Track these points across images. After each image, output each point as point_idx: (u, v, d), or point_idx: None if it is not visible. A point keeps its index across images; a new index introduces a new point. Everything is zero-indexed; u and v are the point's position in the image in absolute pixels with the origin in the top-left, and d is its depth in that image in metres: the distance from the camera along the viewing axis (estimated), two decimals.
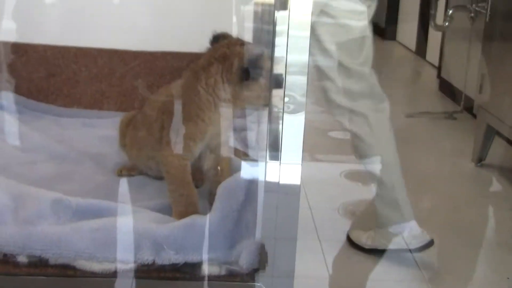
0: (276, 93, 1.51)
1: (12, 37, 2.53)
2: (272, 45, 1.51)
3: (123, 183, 1.96)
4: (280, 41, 1.47)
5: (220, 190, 1.68)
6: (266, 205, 1.55)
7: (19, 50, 2.52)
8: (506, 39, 3.61)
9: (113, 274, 1.57)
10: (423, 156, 4.09)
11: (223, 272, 1.59)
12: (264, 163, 1.55)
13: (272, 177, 1.52)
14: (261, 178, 1.58)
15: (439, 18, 4.86)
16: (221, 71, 1.83)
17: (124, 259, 1.57)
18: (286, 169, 1.53)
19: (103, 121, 2.32)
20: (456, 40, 5.14)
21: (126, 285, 1.58)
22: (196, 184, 1.95)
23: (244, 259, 1.58)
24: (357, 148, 2.76)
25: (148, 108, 2.04)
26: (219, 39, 1.93)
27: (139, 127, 2.03)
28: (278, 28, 1.47)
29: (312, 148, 4.07)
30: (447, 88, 5.30)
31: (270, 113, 1.52)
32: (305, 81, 1.51)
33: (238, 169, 1.81)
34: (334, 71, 2.52)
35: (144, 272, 1.57)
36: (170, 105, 1.90)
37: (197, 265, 1.60)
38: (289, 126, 1.51)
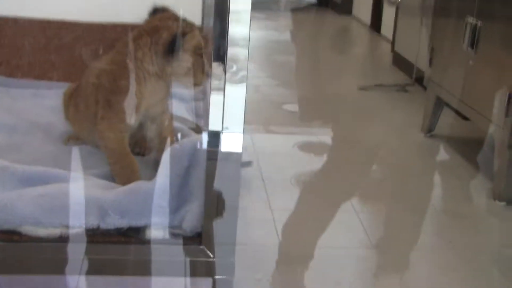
0: (218, 64, 1.55)
1: None
2: (214, 19, 1.54)
3: (70, 151, 1.98)
4: (222, 15, 1.51)
5: (165, 156, 1.72)
6: (209, 173, 1.59)
7: None
8: (454, 14, 3.68)
9: (59, 239, 1.60)
10: (374, 128, 4.17)
11: (167, 236, 1.64)
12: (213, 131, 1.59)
13: (215, 146, 1.57)
14: (205, 146, 1.62)
15: None
16: (150, 43, 1.83)
17: (70, 224, 1.61)
18: (228, 137, 1.57)
19: (52, 92, 2.32)
20: (408, 15, 5.22)
21: (72, 250, 1.61)
22: (143, 153, 2.00)
23: (188, 223, 1.63)
24: None
25: (84, 81, 2.04)
26: (157, 12, 1.93)
27: (79, 100, 2.04)
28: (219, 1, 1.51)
29: (267, 121, 4.12)
30: (400, 62, 5.38)
31: (212, 84, 1.56)
32: (246, 54, 1.54)
33: (184, 137, 1.85)
34: None
35: (89, 236, 1.61)
36: (102, 79, 1.91)
37: (142, 229, 1.64)
38: (231, 97, 1.55)
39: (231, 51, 1.52)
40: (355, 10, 7.63)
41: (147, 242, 1.64)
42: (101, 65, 1.97)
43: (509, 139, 3.08)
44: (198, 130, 2.04)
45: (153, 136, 1.96)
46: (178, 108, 2.23)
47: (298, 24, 7.51)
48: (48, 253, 1.61)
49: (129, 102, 1.86)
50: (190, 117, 2.20)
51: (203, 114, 2.16)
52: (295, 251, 2.66)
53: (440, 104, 3.87)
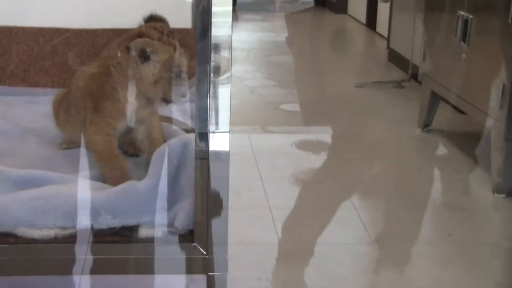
0: (203, 66, 1.57)
1: None
2: (197, 22, 1.57)
3: (63, 155, 2.01)
4: (204, 17, 1.53)
5: (155, 156, 1.74)
6: (198, 172, 1.62)
7: None
8: (445, 8, 3.70)
9: (53, 240, 1.63)
10: (372, 124, 4.19)
11: (159, 234, 1.66)
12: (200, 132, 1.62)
13: (203, 145, 1.60)
14: (194, 145, 1.64)
15: None
16: (126, 50, 1.83)
17: (63, 225, 1.63)
18: (215, 137, 1.59)
19: (46, 98, 2.33)
20: (402, 11, 5.24)
21: (67, 250, 1.63)
22: (136, 154, 2.02)
23: (180, 221, 1.65)
24: None
25: (73, 86, 2.06)
26: (151, 20, 1.94)
27: (69, 105, 2.06)
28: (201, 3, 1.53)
29: (264, 121, 4.14)
30: (396, 58, 5.39)
31: (198, 85, 1.58)
32: (229, 55, 1.56)
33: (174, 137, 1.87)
34: None
35: (83, 237, 1.63)
36: (90, 83, 1.93)
37: (134, 228, 1.66)
38: (217, 98, 1.57)
39: (215, 52, 1.55)
40: (350, 8, 7.65)
41: (140, 241, 1.66)
42: (88, 69, 1.99)
43: (505, 131, 3.09)
44: (191, 131, 2.06)
45: (143, 137, 1.98)
46: (170, 110, 2.25)
47: (294, 24, 7.53)
48: (43, 254, 1.64)
49: (115, 107, 1.88)
50: (182, 118, 2.22)
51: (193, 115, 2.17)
52: (294, 249, 2.68)
53: (435, 98, 3.89)
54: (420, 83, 4.18)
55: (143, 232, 1.66)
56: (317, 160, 3.64)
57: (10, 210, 1.62)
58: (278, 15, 7.94)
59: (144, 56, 1.80)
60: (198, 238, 1.63)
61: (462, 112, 3.93)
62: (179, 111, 2.29)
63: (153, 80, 1.82)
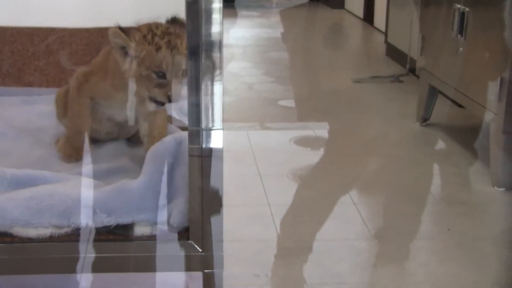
0: (194, 63, 1.57)
1: None
2: (187, 19, 1.57)
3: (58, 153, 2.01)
4: (195, 14, 1.53)
5: (149, 154, 1.74)
6: (192, 170, 1.61)
7: None
8: (442, 1, 3.70)
9: (49, 239, 1.63)
10: (370, 120, 4.19)
11: (154, 232, 1.66)
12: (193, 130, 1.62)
13: (196, 143, 1.60)
14: (188, 143, 1.64)
15: None
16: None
17: (59, 224, 1.63)
18: (208, 134, 1.59)
19: (42, 98, 2.35)
20: (399, 5, 5.23)
21: (62, 249, 1.63)
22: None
23: (175, 218, 1.65)
24: None
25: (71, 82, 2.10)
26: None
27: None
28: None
29: (262, 117, 4.14)
30: (393, 53, 5.39)
31: (189, 83, 1.58)
32: (220, 52, 1.56)
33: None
34: None
35: (78, 235, 1.63)
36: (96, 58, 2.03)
37: (129, 227, 1.66)
38: (209, 95, 1.57)
39: (206, 49, 1.54)
40: (348, 3, 7.65)
41: (135, 239, 1.66)
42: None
43: (503, 125, 3.08)
44: (187, 129, 2.06)
45: (144, 133, 2.00)
46: (166, 108, 2.24)
47: (291, 20, 7.53)
48: (39, 253, 1.63)
49: (98, 88, 1.96)
50: (178, 116, 2.21)
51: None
52: (293, 245, 2.67)
53: (433, 92, 3.88)
54: (418, 77, 4.18)
55: (138, 230, 1.66)
56: (315, 156, 3.64)
57: (5, 209, 1.62)
58: (275, 12, 7.94)
59: (122, 50, 1.82)
60: (194, 236, 1.63)
61: (461, 106, 3.93)
62: (175, 109, 2.29)
63: (131, 75, 1.83)
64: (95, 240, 1.64)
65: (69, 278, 1.94)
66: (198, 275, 1.73)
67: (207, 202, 1.61)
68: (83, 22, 2.58)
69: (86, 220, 1.63)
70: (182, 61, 1.81)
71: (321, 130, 4.00)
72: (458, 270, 2.48)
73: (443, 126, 3.97)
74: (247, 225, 2.79)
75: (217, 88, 1.58)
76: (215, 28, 1.54)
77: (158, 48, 1.80)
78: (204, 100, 1.58)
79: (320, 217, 2.90)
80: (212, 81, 1.58)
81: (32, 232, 1.63)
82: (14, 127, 2.19)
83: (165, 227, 1.66)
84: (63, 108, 2.12)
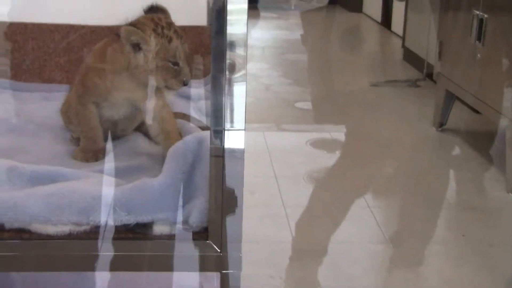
0: (218, 63, 1.57)
1: None
2: (212, 19, 1.57)
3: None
4: (220, 15, 1.53)
5: (169, 153, 1.74)
6: (212, 170, 1.62)
7: None
8: (461, 7, 3.69)
9: (68, 236, 1.63)
10: (386, 123, 4.18)
11: (173, 231, 1.66)
12: (216, 129, 1.62)
13: (218, 143, 1.60)
14: (209, 143, 1.64)
15: None
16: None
17: (78, 221, 1.63)
18: (230, 135, 1.59)
19: (61, 94, 2.34)
20: (417, 9, 5.22)
21: (81, 246, 1.64)
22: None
23: (194, 218, 1.65)
24: None
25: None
26: (151, 10, 1.99)
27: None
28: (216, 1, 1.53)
29: (279, 119, 4.14)
30: (411, 57, 5.38)
31: (213, 83, 1.58)
32: (245, 53, 1.56)
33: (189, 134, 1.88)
34: None
35: (97, 233, 1.63)
36: (85, 62, 2.05)
37: (148, 225, 1.66)
38: (232, 95, 1.57)
39: (230, 50, 1.55)
40: (365, 7, 7.62)
41: (154, 238, 1.66)
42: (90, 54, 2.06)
43: None
44: (206, 128, 2.07)
45: (156, 132, 2.00)
46: (185, 107, 2.25)
47: (309, 22, 7.51)
48: (58, 250, 1.63)
49: (98, 87, 1.95)
50: (197, 116, 2.22)
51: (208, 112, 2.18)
52: (308, 247, 2.68)
53: (450, 98, 3.87)
54: (435, 82, 4.17)
55: (157, 229, 1.66)
56: (331, 159, 3.64)
57: (25, 206, 1.62)
58: (293, 13, 7.92)
59: (136, 46, 1.85)
60: (212, 236, 1.63)
61: (477, 112, 3.92)
62: (194, 108, 2.29)
63: (148, 69, 1.87)
64: (114, 238, 1.63)
65: (87, 276, 1.95)
66: (212, 275, 1.73)
67: (226, 202, 1.61)
68: (104, 19, 2.59)
69: (105, 218, 1.63)
70: (186, 46, 1.91)
71: (338, 133, 4.00)
72: (473, 276, 2.48)
73: (460, 132, 3.96)
74: (262, 226, 2.80)
75: (241, 88, 1.58)
76: (240, 29, 1.54)
77: (170, 40, 1.87)
78: (226, 100, 1.58)
79: (335, 220, 2.90)
80: (236, 81, 1.58)
81: (51, 229, 1.63)
82: (34, 123, 2.19)
83: (184, 227, 1.66)
84: (69, 119, 2.15)
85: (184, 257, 1.65)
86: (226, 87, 1.57)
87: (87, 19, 2.58)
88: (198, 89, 2.42)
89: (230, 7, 1.51)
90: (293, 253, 2.63)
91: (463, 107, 4.11)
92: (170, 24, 1.91)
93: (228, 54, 1.56)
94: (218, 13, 1.53)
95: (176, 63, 1.87)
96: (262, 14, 7.54)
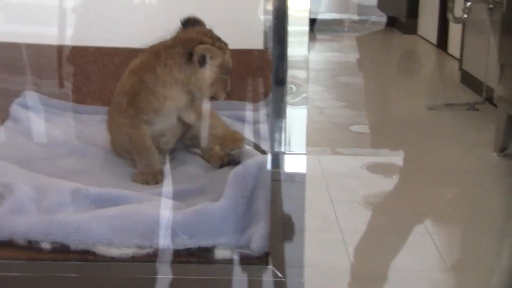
0: (279, 87, 1.56)
1: (36, 40, 2.60)
2: (273, 41, 1.57)
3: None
4: (281, 37, 1.53)
5: (231, 176, 1.74)
6: (274, 194, 1.60)
7: (42, 52, 2.59)
8: None
9: (131, 259, 1.63)
10: (445, 148, 4.10)
11: (235, 256, 1.64)
12: (276, 153, 1.61)
13: (279, 167, 1.58)
14: (269, 167, 1.63)
15: (458, 11, 4.86)
16: (182, 53, 1.95)
17: (141, 244, 1.63)
18: (291, 158, 1.58)
19: None
20: (476, 31, 5.14)
21: (144, 269, 1.64)
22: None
23: (255, 243, 1.63)
24: None
25: (114, 98, 2.17)
26: (189, 22, 2.07)
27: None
28: (277, 23, 1.53)
29: (333, 142, 4.11)
30: (469, 80, 5.29)
31: (273, 106, 1.58)
32: (306, 75, 1.55)
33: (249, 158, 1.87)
34: None
35: (160, 256, 1.63)
36: (129, 80, 2.06)
37: (210, 249, 1.65)
38: (293, 118, 1.56)
39: (291, 73, 1.54)
40: (420, 28, 7.54)
41: (215, 262, 1.65)
42: (126, 73, 2.10)
43: None
44: (262, 151, 2.06)
45: (208, 139, 2.08)
46: (241, 130, 2.26)
47: (363, 44, 7.47)
48: (121, 273, 1.64)
49: (151, 104, 1.99)
50: (253, 139, 2.21)
51: (267, 136, 2.17)
52: (367, 273, 2.63)
53: None
54: (495, 105, 4.09)
55: (218, 254, 1.65)
56: (388, 183, 3.59)
57: (89, 228, 1.63)
58: (346, 35, 7.89)
59: (202, 61, 1.92)
60: (274, 261, 1.61)
61: None
62: (251, 131, 2.29)
63: (210, 83, 1.95)
64: (176, 262, 1.63)
65: None
66: None
67: (288, 227, 1.59)
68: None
69: (167, 241, 1.63)
70: None
71: (395, 157, 3.94)
72: None
73: None
74: (319, 251, 2.76)
75: (301, 112, 1.57)
76: (301, 51, 1.53)
77: (224, 52, 1.97)
78: (286, 123, 1.57)
79: (394, 246, 2.85)
80: (296, 105, 1.57)
81: (114, 252, 1.63)
82: (95, 146, 2.22)
83: (245, 251, 1.65)
84: (119, 147, 2.18)
85: (245, 282, 1.63)
86: (287, 110, 1.56)
87: (147, 42, 2.61)
88: (255, 112, 2.43)
89: (291, 29, 1.50)
90: (352, 279, 2.59)
91: None
92: (218, 37, 2.00)
93: (289, 76, 1.55)
94: (279, 36, 1.52)
95: (226, 74, 1.97)
96: (316, 36, 7.54)
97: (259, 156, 1.83)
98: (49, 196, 1.73)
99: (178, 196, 1.84)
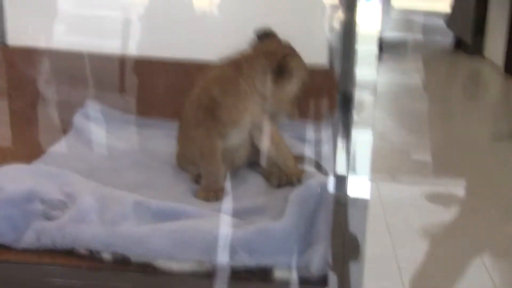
0: (345, 107, 1.55)
1: (100, 50, 2.64)
2: (341, 61, 1.56)
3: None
4: (348, 57, 1.52)
5: (293, 196, 1.74)
6: (336, 217, 1.58)
7: (106, 63, 2.63)
8: None
9: (190, 274, 1.64)
10: (510, 180, 4.00)
11: (293, 276, 1.63)
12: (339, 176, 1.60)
13: (341, 190, 1.57)
14: (331, 189, 1.61)
15: None
16: (265, 65, 1.96)
17: (200, 259, 1.64)
18: (354, 182, 1.56)
19: None
20: None
21: (202, 284, 1.64)
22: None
23: (314, 265, 1.62)
24: None
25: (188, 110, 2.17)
26: (266, 36, 2.09)
27: (184, 134, 2.17)
28: (345, 41, 1.52)
29: (393, 169, 4.06)
30: None
31: (339, 128, 1.56)
32: (373, 98, 1.54)
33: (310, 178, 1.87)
34: None
35: (219, 272, 1.63)
36: (208, 91, 2.03)
37: (269, 268, 1.64)
38: (357, 141, 1.55)
39: (357, 94, 1.52)
40: (487, 51, 7.29)
41: (274, 281, 1.63)
42: (203, 83, 2.09)
43: None
44: (324, 172, 2.05)
45: (274, 157, 2.08)
46: (303, 150, 2.26)
47: (426, 67, 7.36)
48: (180, 287, 1.65)
49: (229, 116, 1.99)
50: (316, 159, 2.20)
51: (329, 157, 2.16)
52: None
53: None
54: None
55: (277, 273, 1.64)
56: (448, 214, 3.52)
57: (150, 241, 1.64)
58: (409, 58, 7.79)
59: (289, 74, 1.95)
60: (333, 284, 1.59)
61: None
62: (313, 152, 2.28)
63: (291, 97, 1.97)
64: (234, 279, 1.63)
65: None
66: None
67: (348, 251, 1.57)
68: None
69: (227, 258, 1.63)
70: None
71: (456, 187, 3.87)
72: None
73: None
74: (374, 279, 2.72)
75: (367, 135, 1.55)
76: (369, 73, 1.51)
77: (306, 67, 2.02)
78: (351, 146, 1.55)
79: (450, 278, 2.80)
80: (362, 126, 1.55)
81: (174, 266, 1.64)
82: (157, 160, 2.24)
83: (305, 273, 1.63)
84: (184, 161, 2.19)
85: None
86: (352, 132, 1.55)
87: (212, 55, 2.63)
88: (317, 132, 2.42)
89: (359, 48, 1.48)
90: None
91: None
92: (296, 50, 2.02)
93: (356, 96, 1.53)
94: (347, 55, 1.50)
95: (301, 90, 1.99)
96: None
97: (321, 177, 1.82)
98: (111, 207, 1.75)
99: (238, 214, 1.85)
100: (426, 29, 8.50)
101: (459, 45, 7.83)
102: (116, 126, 2.48)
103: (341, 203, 1.57)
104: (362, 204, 1.57)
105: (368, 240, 3.01)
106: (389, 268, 2.82)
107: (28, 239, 1.70)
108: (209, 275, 1.63)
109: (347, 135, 1.55)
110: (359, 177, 1.56)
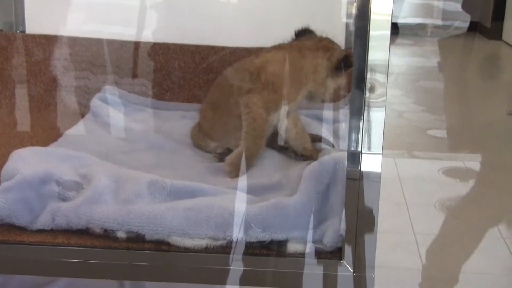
0: (358, 87, 1.58)
1: (117, 36, 2.67)
2: (354, 44, 1.59)
3: (215, 168, 2.07)
4: (362, 40, 1.55)
5: (307, 172, 1.75)
6: (349, 192, 1.61)
7: (123, 48, 2.65)
8: None
9: (204, 250, 1.67)
10: None
11: (308, 250, 1.66)
12: (352, 152, 1.63)
13: (355, 165, 1.60)
14: (346, 165, 1.64)
15: None
16: (323, 58, 2.06)
17: (214, 235, 1.67)
18: (367, 158, 1.59)
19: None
20: None
21: (217, 260, 1.67)
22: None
23: (328, 238, 1.65)
24: None
25: (216, 90, 2.24)
26: (305, 33, 2.19)
27: (213, 112, 2.21)
28: (360, 27, 1.54)
29: (411, 146, 4.08)
30: None
31: (352, 106, 1.59)
32: (385, 79, 1.57)
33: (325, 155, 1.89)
34: None
35: (233, 248, 1.66)
36: (264, 68, 2.09)
37: (283, 243, 1.67)
38: (370, 119, 1.58)
39: (370, 75, 1.55)
40: (506, 34, 7.31)
41: (288, 255, 1.67)
42: (261, 58, 2.13)
43: None
44: (340, 151, 2.07)
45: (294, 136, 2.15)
46: (319, 129, 2.27)
47: (445, 49, 7.35)
48: (194, 263, 1.67)
49: (280, 96, 2.06)
50: (331, 138, 2.23)
51: (344, 135, 2.18)
52: (439, 275, 2.61)
53: None
54: None
55: (291, 247, 1.67)
56: (464, 188, 3.54)
57: (164, 218, 1.67)
58: (429, 40, 7.78)
59: (346, 68, 2.05)
60: (346, 256, 1.62)
61: None
62: (328, 130, 2.31)
63: (337, 88, 2.10)
64: (248, 254, 1.66)
65: None
66: None
67: (361, 224, 1.60)
68: (243, 41, 2.65)
69: (241, 233, 1.65)
70: None
71: (472, 162, 3.88)
72: None
73: None
74: (391, 252, 2.76)
75: (379, 113, 1.59)
76: (382, 55, 1.55)
77: None
78: (364, 124, 1.59)
79: (467, 249, 2.82)
80: (375, 106, 1.58)
81: (188, 242, 1.66)
82: (173, 140, 2.27)
83: (318, 246, 1.66)
84: (197, 137, 2.24)
85: (317, 275, 1.65)
86: (365, 111, 1.58)
87: (227, 40, 2.65)
88: (332, 111, 2.43)
89: (372, 33, 1.52)
90: (424, 281, 2.57)
91: None
92: None
93: (369, 78, 1.56)
94: (360, 38, 1.53)
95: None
96: (396, 40, 7.45)
97: (335, 153, 1.84)
98: (127, 187, 1.77)
99: (254, 191, 1.87)
100: (446, 14, 8.45)
101: (473, 29, 7.80)
102: (133, 109, 2.51)
103: (354, 178, 1.60)
104: (375, 177, 1.60)
105: (387, 214, 3.05)
106: (407, 241, 2.85)
107: (43, 220, 1.72)
108: (224, 250, 1.66)
109: (360, 114, 1.58)
110: (373, 153, 1.59)
